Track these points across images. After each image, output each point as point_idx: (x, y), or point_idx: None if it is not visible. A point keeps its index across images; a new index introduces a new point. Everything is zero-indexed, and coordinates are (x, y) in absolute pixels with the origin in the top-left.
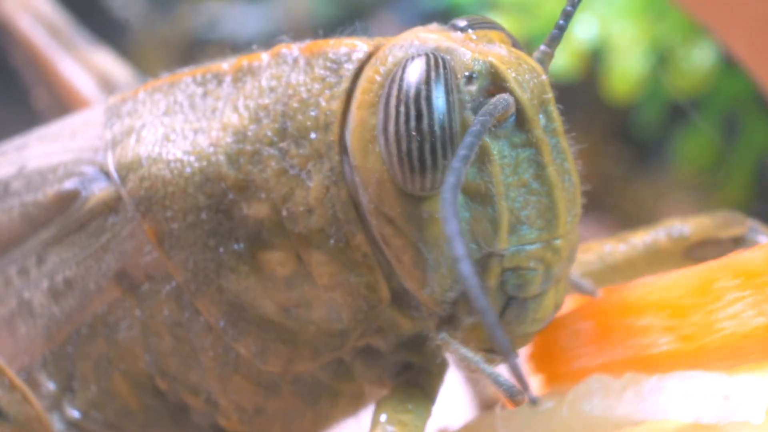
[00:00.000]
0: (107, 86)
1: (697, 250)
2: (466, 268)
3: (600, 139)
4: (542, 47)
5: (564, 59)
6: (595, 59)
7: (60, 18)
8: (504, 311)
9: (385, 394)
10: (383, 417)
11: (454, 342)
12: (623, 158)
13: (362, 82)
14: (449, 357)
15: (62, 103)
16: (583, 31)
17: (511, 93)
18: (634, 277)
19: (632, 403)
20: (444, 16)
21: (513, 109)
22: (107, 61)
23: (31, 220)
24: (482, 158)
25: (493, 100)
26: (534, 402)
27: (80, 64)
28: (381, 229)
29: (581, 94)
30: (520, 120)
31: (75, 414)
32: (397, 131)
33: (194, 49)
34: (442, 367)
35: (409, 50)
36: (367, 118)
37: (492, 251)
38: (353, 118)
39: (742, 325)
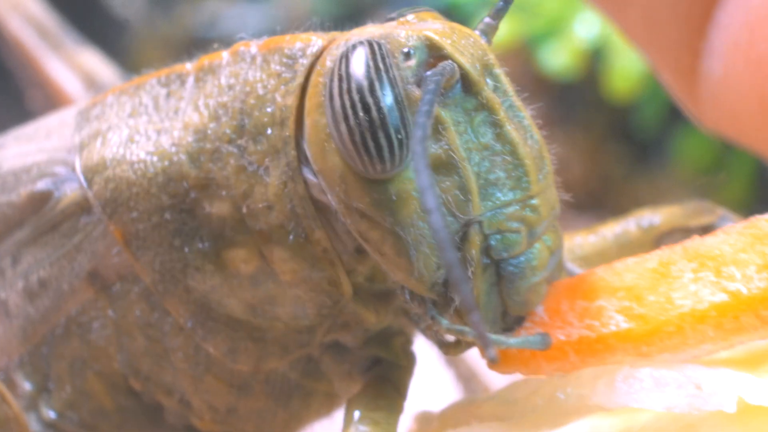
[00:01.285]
0: (93, 86)
1: (666, 239)
2: (437, 220)
3: (600, 138)
4: (486, 19)
5: (565, 58)
6: (595, 58)
7: (49, 18)
8: (499, 274)
9: (356, 392)
10: (355, 415)
11: (443, 319)
12: (623, 157)
13: (309, 88)
14: (430, 344)
15: (55, 103)
16: (584, 30)
17: (452, 59)
18: None
19: (605, 393)
20: (444, 15)
21: (457, 75)
22: (94, 60)
23: (5, 221)
24: (437, 128)
25: (436, 68)
26: (493, 361)
27: (67, 63)
28: (357, 226)
29: (581, 94)
30: (467, 85)
31: (51, 414)
32: (347, 123)
33: (194, 48)
34: (411, 360)
35: (345, 46)
36: (317, 119)
37: (469, 219)
38: (307, 123)
39: (700, 302)
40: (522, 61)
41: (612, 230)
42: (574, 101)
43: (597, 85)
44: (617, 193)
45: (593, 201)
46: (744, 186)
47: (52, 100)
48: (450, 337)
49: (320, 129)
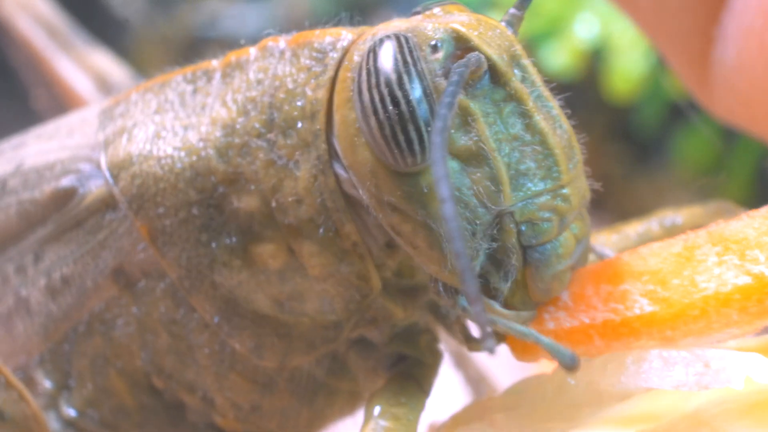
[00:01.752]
0: (105, 86)
1: None
2: (449, 209)
3: (600, 139)
4: (512, 10)
5: (565, 58)
6: (595, 58)
7: (58, 18)
8: (525, 260)
9: (378, 387)
10: (376, 410)
11: (498, 318)
12: (624, 157)
13: (338, 84)
14: (451, 347)
15: (61, 103)
16: (584, 30)
17: (479, 51)
18: None
19: (614, 375)
20: None
21: (485, 67)
22: (105, 61)
23: (28, 218)
24: (466, 119)
25: (462, 60)
26: (490, 351)
27: (78, 64)
28: (388, 219)
29: (582, 94)
30: (495, 76)
31: (71, 412)
32: (376, 117)
33: (194, 48)
34: (437, 358)
35: (372, 40)
36: (347, 114)
37: (501, 209)
38: (336, 119)
39: (724, 285)
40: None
41: (635, 230)
42: (574, 101)
43: (597, 86)
44: (617, 192)
45: (593, 201)
46: (744, 186)
47: (60, 99)
48: (475, 333)
49: (349, 124)
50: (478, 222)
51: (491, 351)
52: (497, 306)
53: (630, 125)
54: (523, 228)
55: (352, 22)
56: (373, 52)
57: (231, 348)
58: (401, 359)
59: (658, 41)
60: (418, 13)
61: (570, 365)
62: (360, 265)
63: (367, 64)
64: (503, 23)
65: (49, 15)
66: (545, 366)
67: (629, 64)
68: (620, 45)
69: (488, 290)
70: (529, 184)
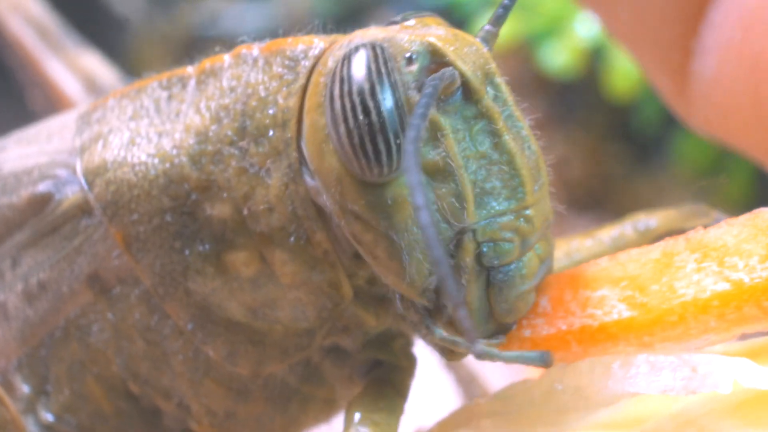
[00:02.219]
0: (94, 88)
1: None
2: (425, 217)
3: (600, 137)
4: (486, 26)
5: (565, 57)
6: (595, 58)
7: (49, 19)
8: (489, 281)
9: (356, 394)
10: (356, 417)
11: (437, 329)
12: (623, 157)
13: (310, 87)
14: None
15: (54, 104)
16: (584, 29)
17: (453, 66)
18: None
19: (602, 381)
20: (444, 14)
21: (458, 82)
22: (94, 62)
23: (5, 223)
24: (435, 134)
25: (437, 74)
26: (480, 356)
27: (67, 65)
28: (350, 227)
29: (582, 93)
30: (467, 92)
31: (49, 417)
32: (346, 125)
33: (194, 47)
34: (411, 362)
35: (349, 47)
36: (317, 119)
37: (463, 226)
38: (306, 123)
39: (702, 291)
40: (522, 61)
41: (609, 234)
42: (574, 101)
43: (597, 85)
44: (617, 192)
45: (593, 201)
46: (744, 186)
47: (50, 101)
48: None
49: (319, 129)
50: (439, 237)
51: (480, 357)
52: (438, 330)
53: (630, 125)
54: (485, 249)
55: (325, 29)
56: (348, 59)
57: (205, 354)
58: (376, 365)
59: (637, 52)
60: (395, 22)
61: (544, 364)
62: (331, 273)
63: (341, 71)
64: (479, 39)
65: (40, 16)
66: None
67: (629, 63)
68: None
69: (437, 306)
70: (494, 203)
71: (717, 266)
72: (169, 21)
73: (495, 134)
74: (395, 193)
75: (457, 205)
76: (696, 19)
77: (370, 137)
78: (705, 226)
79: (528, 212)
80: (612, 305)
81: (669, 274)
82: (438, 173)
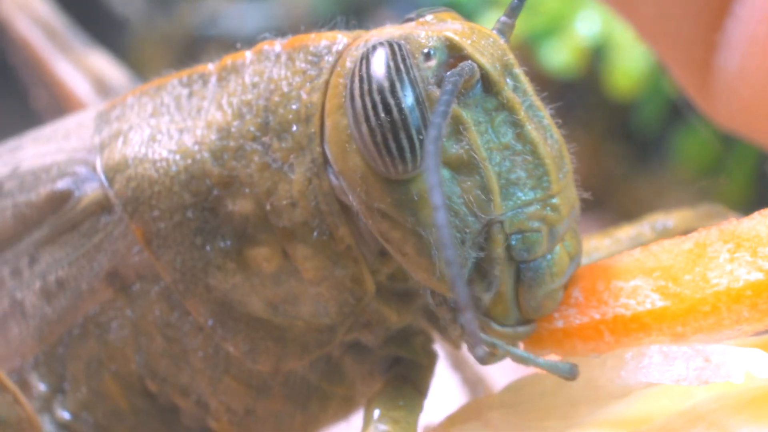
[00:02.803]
0: (102, 88)
1: None
2: (441, 217)
3: (601, 137)
4: (502, 18)
5: (565, 56)
6: (596, 56)
7: (56, 19)
8: (519, 278)
9: (375, 391)
10: (375, 414)
11: (500, 342)
12: (624, 156)
13: (330, 90)
14: (440, 348)
15: (59, 104)
16: (585, 28)
17: (472, 60)
18: None
19: (613, 371)
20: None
21: (477, 75)
22: (103, 63)
23: (23, 221)
24: (457, 128)
25: (455, 68)
26: (482, 360)
27: (76, 65)
28: (378, 226)
29: (582, 92)
30: (487, 85)
31: (66, 415)
32: (368, 124)
33: (194, 47)
34: (432, 359)
35: (365, 47)
36: (338, 120)
37: (491, 218)
38: (327, 124)
39: (735, 281)
40: (522, 59)
41: (627, 233)
42: (574, 99)
43: (598, 84)
44: (618, 191)
45: (594, 199)
46: (744, 186)
47: (58, 100)
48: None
49: (341, 130)
50: (467, 230)
51: (482, 361)
52: (496, 326)
53: (630, 124)
54: (513, 241)
55: (348, 25)
56: (366, 58)
57: (225, 351)
58: (396, 362)
59: (659, 48)
60: (410, 19)
61: (570, 376)
62: (354, 268)
63: (360, 70)
64: (495, 31)
65: (47, 16)
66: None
67: (630, 62)
68: (621, 43)
69: (472, 299)
70: (519, 194)
71: (750, 256)
72: (169, 21)
73: (517, 125)
74: (421, 188)
75: (483, 197)
76: (720, 14)
77: (392, 134)
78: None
79: (554, 201)
80: (645, 295)
81: (702, 264)
82: (462, 166)
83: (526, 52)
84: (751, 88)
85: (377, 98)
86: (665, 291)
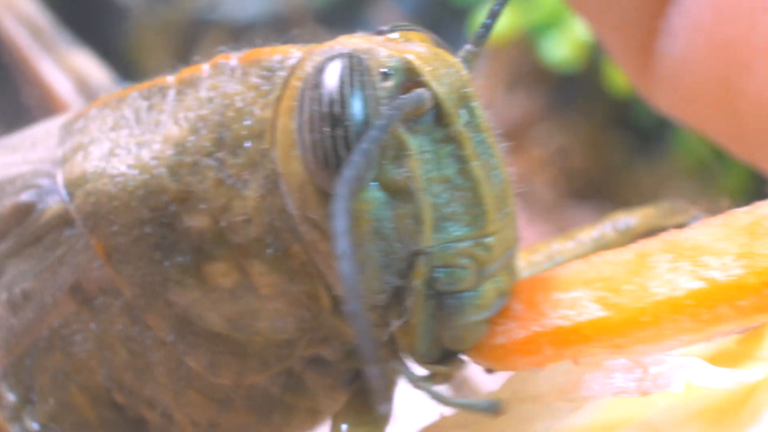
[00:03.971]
0: (85, 89)
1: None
2: (347, 267)
3: (601, 129)
4: (468, 46)
5: (565, 50)
6: (596, 50)
7: (42, 19)
8: (439, 308)
9: (340, 407)
10: (342, 429)
11: (414, 375)
12: (624, 147)
13: (287, 90)
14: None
15: (46, 103)
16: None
17: (427, 87)
18: None
19: (559, 387)
20: (443, 5)
21: (430, 104)
22: (86, 62)
23: None
24: (400, 153)
25: (408, 95)
26: (381, 412)
27: (59, 65)
28: (309, 234)
29: (582, 85)
30: (439, 115)
31: (35, 426)
32: (312, 134)
33: (195, 32)
34: (394, 371)
35: (327, 54)
36: (287, 123)
37: (418, 249)
38: (278, 125)
39: (676, 290)
40: (523, 53)
41: (589, 235)
42: (574, 92)
43: (598, 77)
44: (618, 182)
45: (594, 190)
46: (743, 176)
47: (42, 100)
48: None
49: (288, 133)
50: (392, 256)
51: (384, 413)
52: (411, 371)
53: (630, 115)
54: (439, 273)
55: (349, 12)
56: (323, 67)
57: (187, 365)
58: (359, 375)
59: (601, 31)
60: (382, 32)
61: (494, 412)
62: (309, 284)
63: (315, 78)
64: (459, 60)
65: (33, 15)
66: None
67: None
68: None
69: (384, 322)
70: (452, 229)
71: (691, 265)
72: (170, 7)
73: (462, 159)
74: (354, 208)
75: (413, 226)
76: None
77: (334, 150)
78: (682, 225)
79: (488, 240)
80: (585, 306)
81: (642, 274)
82: (399, 192)
83: (526, 46)
84: (692, 75)
85: (325, 110)
86: (605, 302)
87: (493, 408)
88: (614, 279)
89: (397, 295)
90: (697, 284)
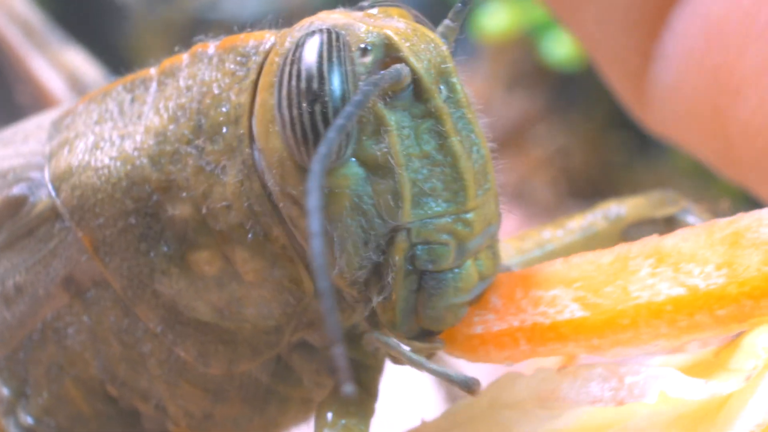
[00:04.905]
0: (77, 86)
1: (633, 231)
2: (317, 245)
3: (601, 129)
4: (446, 21)
5: (566, 49)
6: None
7: (34, 16)
8: (420, 286)
9: (325, 395)
10: (328, 418)
11: (391, 339)
12: (624, 147)
13: (265, 66)
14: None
15: (39, 100)
16: None
17: (406, 63)
18: None
19: (538, 393)
20: (443, 4)
21: (408, 80)
22: (78, 60)
23: None
24: (379, 129)
25: (385, 71)
26: (349, 394)
27: (51, 62)
28: (288, 211)
29: (582, 85)
30: (418, 90)
31: (29, 420)
32: (290, 111)
33: (195, 31)
34: (380, 360)
35: (306, 30)
36: (267, 99)
37: (397, 225)
38: (257, 101)
39: (656, 295)
40: (523, 52)
41: (579, 223)
42: (574, 92)
43: (598, 77)
44: (617, 182)
45: (593, 190)
46: None
47: (35, 97)
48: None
49: (267, 109)
50: (372, 232)
51: (348, 393)
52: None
53: (630, 116)
54: (419, 250)
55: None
56: (302, 42)
57: (178, 356)
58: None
59: (596, 54)
60: (362, 8)
61: (468, 389)
62: (291, 268)
63: (294, 54)
64: (438, 35)
65: (24, 13)
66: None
67: None
68: None
69: (364, 298)
70: (432, 204)
71: (672, 272)
72: (169, 6)
73: (441, 135)
74: (333, 183)
75: (392, 202)
76: (657, 25)
77: (311, 125)
78: (672, 217)
79: (467, 216)
80: (564, 305)
81: (623, 277)
82: (378, 168)
83: (528, 45)
84: (685, 101)
85: (303, 86)
86: (585, 301)
87: (469, 384)
88: (595, 280)
89: (378, 271)
90: (678, 291)
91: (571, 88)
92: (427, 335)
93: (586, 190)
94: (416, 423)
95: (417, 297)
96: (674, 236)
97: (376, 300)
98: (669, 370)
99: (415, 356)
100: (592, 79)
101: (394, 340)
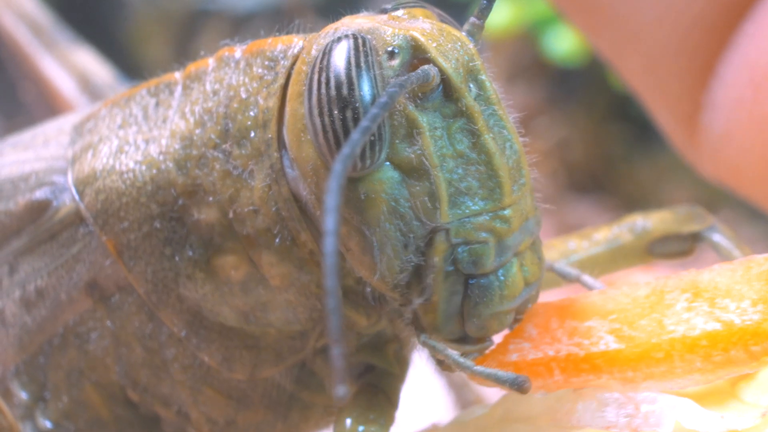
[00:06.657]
0: (87, 86)
1: (658, 245)
2: (330, 244)
3: (601, 122)
4: (472, 19)
5: (569, 44)
6: None
7: (43, 16)
8: (467, 293)
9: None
10: (347, 424)
11: (439, 344)
12: (625, 140)
13: (293, 75)
14: (427, 362)
15: (47, 99)
16: None
17: (434, 63)
18: (597, 274)
19: (550, 412)
20: (443, 1)
21: (437, 80)
22: (88, 60)
23: (2, 229)
24: (411, 132)
25: (412, 73)
26: (342, 396)
27: (61, 62)
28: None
29: (583, 78)
30: (448, 90)
31: (47, 424)
32: (322, 118)
33: (194, 23)
34: (404, 367)
35: (332, 36)
36: (297, 108)
37: (436, 226)
38: (287, 110)
39: (692, 329)
40: (526, 46)
41: (604, 236)
42: (575, 85)
43: (599, 70)
44: (618, 175)
45: (594, 183)
46: None
47: (45, 97)
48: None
49: (298, 118)
50: (411, 235)
51: (342, 398)
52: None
53: (631, 109)
54: (460, 252)
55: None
56: (329, 49)
57: (203, 362)
58: (368, 369)
59: (649, 101)
60: (385, 11)
61: (517, 388)
62: (318, 273)
63: (321, 61)
64: (464, 33)
65: (33, 12)
66: None
67: None
68: None
69: (407, 301)
70: (469, 203)
71: (708, 306)
72: None
73: (474, 133)
74: (368, 188)
75: (429, 204)
76: (706, 74)
77: (344, 132)
78: (697, 234)
79: (505, 212)
80: (599, 336)
81: (659, 310)
82: (413, 171)
83: (530, 40)
84: (736, 149)
85: (333, 93)
86: (620, 334)
87: (519, 383)
88: (630, 312)
89: (418, 274)
90: (714, 326)
91: (572, 81)
92: (470, 340)
93: (587, 182)
94: (427, 426)
95: (462, 305)
96: (711, 271)
97: (416, 302)
98: (685, 400)
99: (462, 360)
100: (592, 73)
101: (441, 344)
